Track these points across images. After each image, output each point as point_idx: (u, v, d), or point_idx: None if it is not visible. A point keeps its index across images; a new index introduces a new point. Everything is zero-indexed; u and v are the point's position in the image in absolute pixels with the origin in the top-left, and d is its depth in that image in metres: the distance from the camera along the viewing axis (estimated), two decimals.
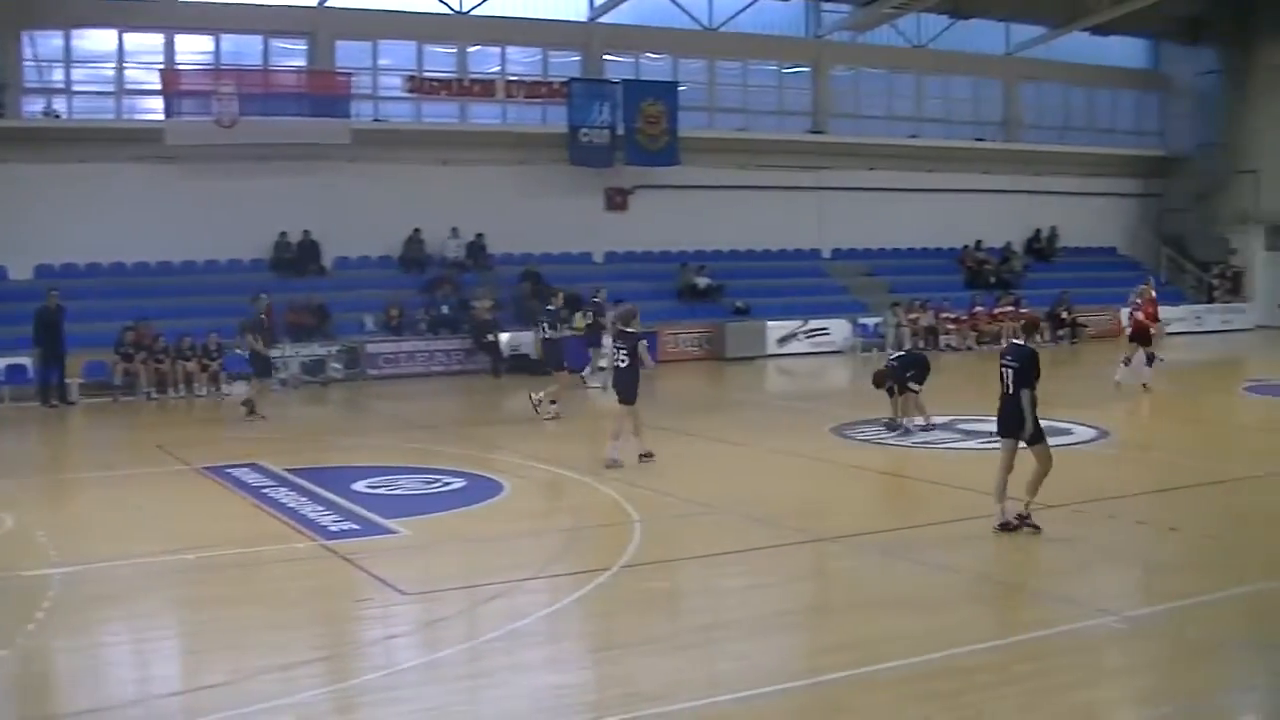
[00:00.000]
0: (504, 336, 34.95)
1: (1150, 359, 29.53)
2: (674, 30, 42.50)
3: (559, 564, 14.24)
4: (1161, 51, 52.93)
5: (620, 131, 39.44)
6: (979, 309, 42.18)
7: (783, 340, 39.03)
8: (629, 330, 20.48)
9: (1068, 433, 23.35)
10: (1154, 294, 30.69)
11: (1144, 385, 29.05)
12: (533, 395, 26.35)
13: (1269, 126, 48.92)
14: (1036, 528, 15.11)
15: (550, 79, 40.13)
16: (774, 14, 44.08)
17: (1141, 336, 29.49)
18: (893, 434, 23.15)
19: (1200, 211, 51.16)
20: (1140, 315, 29.47)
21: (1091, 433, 23.37)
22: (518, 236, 38.70)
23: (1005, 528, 15.08)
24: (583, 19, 40.94)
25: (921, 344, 38.12)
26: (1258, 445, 23.84)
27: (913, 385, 23.17)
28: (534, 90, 39.82)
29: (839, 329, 40.11)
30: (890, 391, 23.44)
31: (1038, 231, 48.83)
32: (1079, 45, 49.50)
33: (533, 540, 15.51)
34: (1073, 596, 12.87)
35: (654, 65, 42.28)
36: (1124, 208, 51.65)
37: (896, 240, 45.62)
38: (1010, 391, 15.18)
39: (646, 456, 20.29)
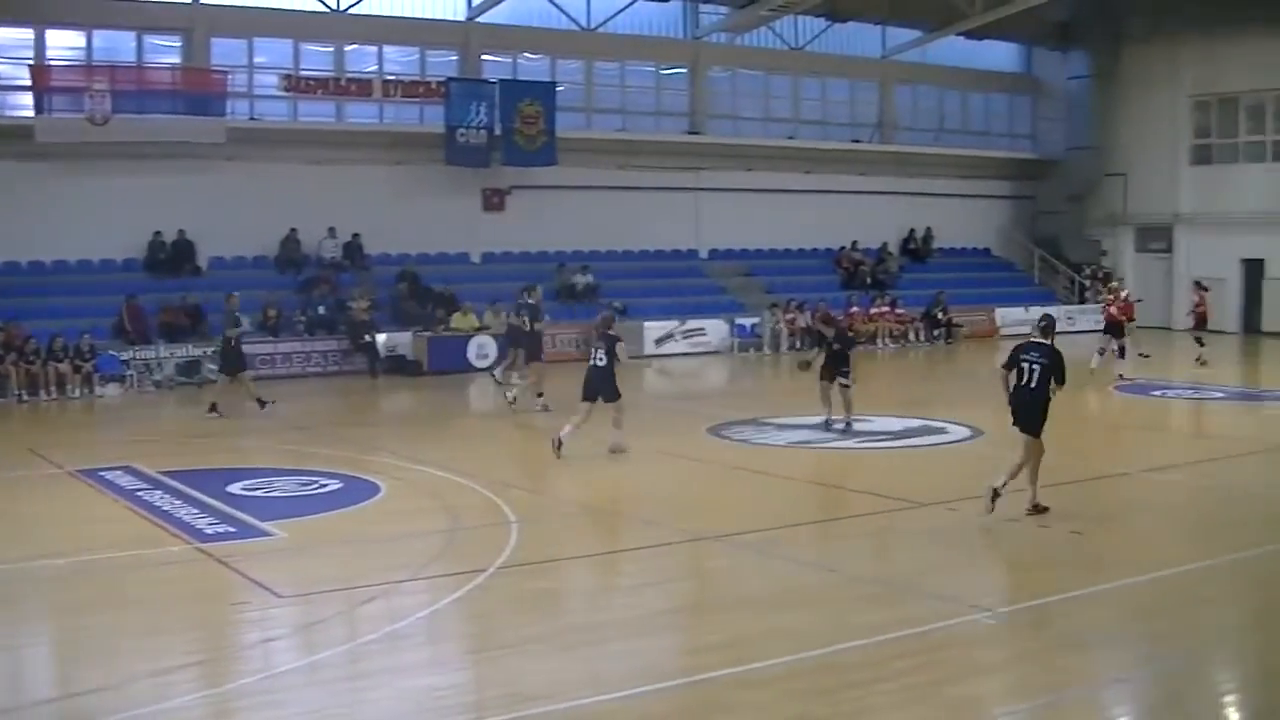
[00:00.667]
0: (381, 337, 34.84)
1: (1122, 351, 32.26)
2: (552, 30, 42.48)
3: (437, 565, 14.33)
4: (1034, 56, 53.97)
5: (498, 132, 39.30)
6: (855, 309, 42.59)
7: (660, 340, 39.13)
8: (610, 333, 21.41)
9: (943, 431, 23.99)
10: (1125, 291, 34.03)
11: (1120, 375, 31.56)
12: (507, 393, 27.30)
13: (1137, 131, 50.07)
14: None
15: (428, 79, 39.96)
16: (652, 15, 44.23)
17: (1114, 329, 32.20)
18: (834, 433, 23.56)
19: (1072, 213, 52.30)
20: (1113, 310, 32.41)
21: (966, 431, 23.92)
22: (395, 237, 38.60)
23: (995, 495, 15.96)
24: (461, 19, 40.78)
25: (798, 344, 38.73)
26: (1125, 444, 24.70)
27: (843, 380, 23.48)
28: (411, 90, 39.66)
29: (716, 329, 40.38)
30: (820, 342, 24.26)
31: (913, 232, 49.46)
32: (954, 49, 50.33)
33: (410, 542, 15.58)
34: (947, 593, 13.14)
35: (532, 65, 42.19)
36: (998, 209, 52.56)
37: (773, 241, 46.03)
38: (1034, 385, 16.05)
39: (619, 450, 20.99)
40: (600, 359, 21.26)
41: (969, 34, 48.46)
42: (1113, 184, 51.17)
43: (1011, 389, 16.13)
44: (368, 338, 34.51)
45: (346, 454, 21.63)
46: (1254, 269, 47.20)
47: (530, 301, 27.33)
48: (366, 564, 14.45)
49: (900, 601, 12.94)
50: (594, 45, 43.17)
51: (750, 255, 45.59)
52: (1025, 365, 15.98)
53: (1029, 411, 16.05)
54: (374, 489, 18.64)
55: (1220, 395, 29.88)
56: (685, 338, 39.54)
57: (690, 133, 44.71)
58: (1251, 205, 47.06)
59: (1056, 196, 52.39)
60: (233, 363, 27.15)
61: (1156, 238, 50.79)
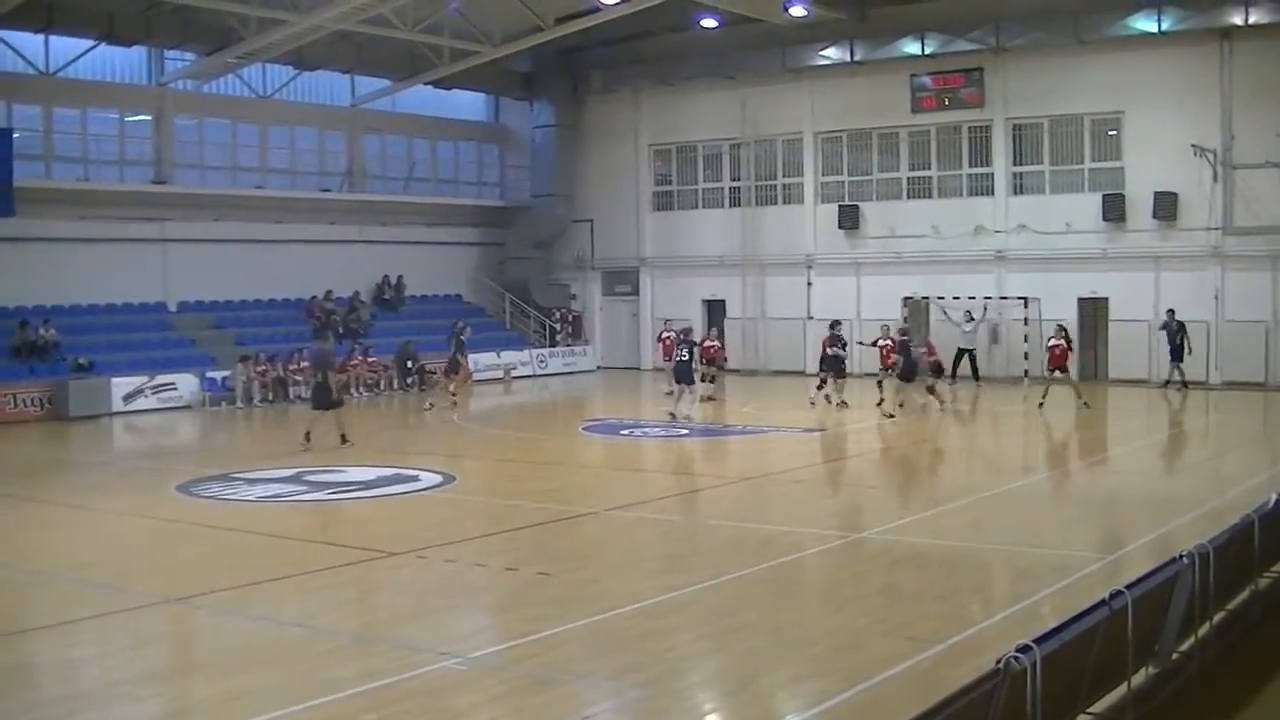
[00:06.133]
0: None
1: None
2: (7, 74, 41.54)
3: None
4: (501, 106, 56.89)
5: None
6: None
7: (129, 397, 38.80)
8: (690, 339, 36.45)
9: (415, 479, 25.18)
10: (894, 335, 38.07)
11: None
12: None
13: (600, 179, 53.70)
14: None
15: None
16: (115, 60, 43.99)
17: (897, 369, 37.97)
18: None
19: (540, 259, 55.15)
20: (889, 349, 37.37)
21: (438, 478, 25.14)
22: None
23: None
24: None
25: (270, 397, 39.60)
26: (591, 483, 26.15)
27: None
28: None
29: (187, 384, 40.27)
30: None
31: (385, 280, 50.94)
32: (423, 98, 52.46)
33: None
34: (417, 642, 13.70)
35: None
36: (467, 256, 54.92)
37: (244, 292, 46.41)
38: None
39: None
40: (684, 355, 34.50)
41: (437, 84, 50.42)
42: (580, 230, 54.56)
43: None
44: None
45: None
46: (716, 309, 50.95)
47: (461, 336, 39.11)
48: None
49: (371, 654, 13.27)
50: (53, 90, 42.53)
51: (220, 307, 45.76)
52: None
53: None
54: None
55: (685, 433, 32.14)
56: (155, 393, 39.32)
57: (156, 182, 44.75)
58: (711, 249, 51.20)
59: (525, 243, 55.25)
60: None
61: (623, 281, 54.31)
